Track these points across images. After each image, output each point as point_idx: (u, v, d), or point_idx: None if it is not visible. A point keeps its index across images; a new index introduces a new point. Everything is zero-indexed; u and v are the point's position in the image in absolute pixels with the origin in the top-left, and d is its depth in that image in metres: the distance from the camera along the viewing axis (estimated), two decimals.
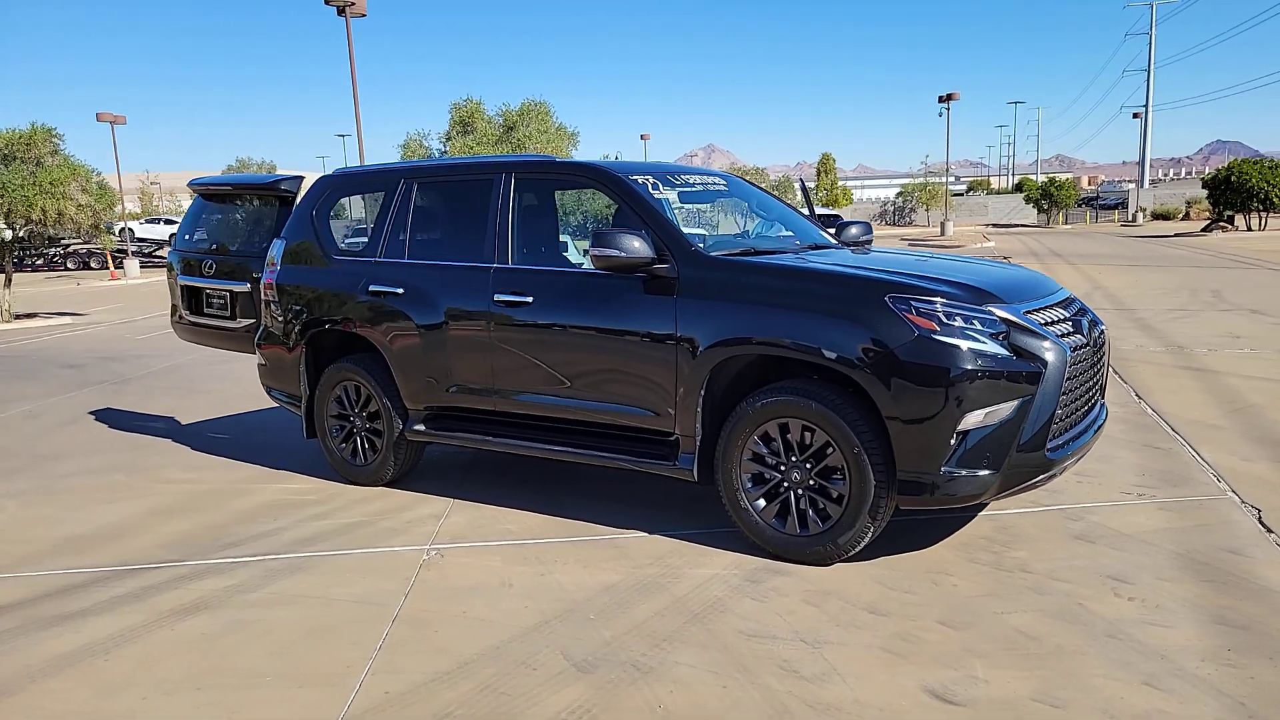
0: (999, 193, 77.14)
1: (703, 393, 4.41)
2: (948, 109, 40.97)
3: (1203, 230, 37.22)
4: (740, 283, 4.40)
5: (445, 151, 23.32)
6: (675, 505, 5.17)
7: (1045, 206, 54.93)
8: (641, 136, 59.36)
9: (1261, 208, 35.78)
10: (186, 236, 7.20)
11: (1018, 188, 68.64)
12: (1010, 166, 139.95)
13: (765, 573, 4.17)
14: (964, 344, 3.86)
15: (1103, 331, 4.58)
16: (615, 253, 4.47)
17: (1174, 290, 15.38)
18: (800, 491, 4.24)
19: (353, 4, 21.73)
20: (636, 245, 4.47)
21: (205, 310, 7.01)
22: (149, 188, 70.67)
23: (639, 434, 4.75)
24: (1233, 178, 35.57)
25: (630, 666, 3.37)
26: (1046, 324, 4.12)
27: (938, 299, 3.98)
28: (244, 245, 6.86)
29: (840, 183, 64.78)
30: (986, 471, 3.88)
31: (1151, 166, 67.17)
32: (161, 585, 4.37)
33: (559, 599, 3.99)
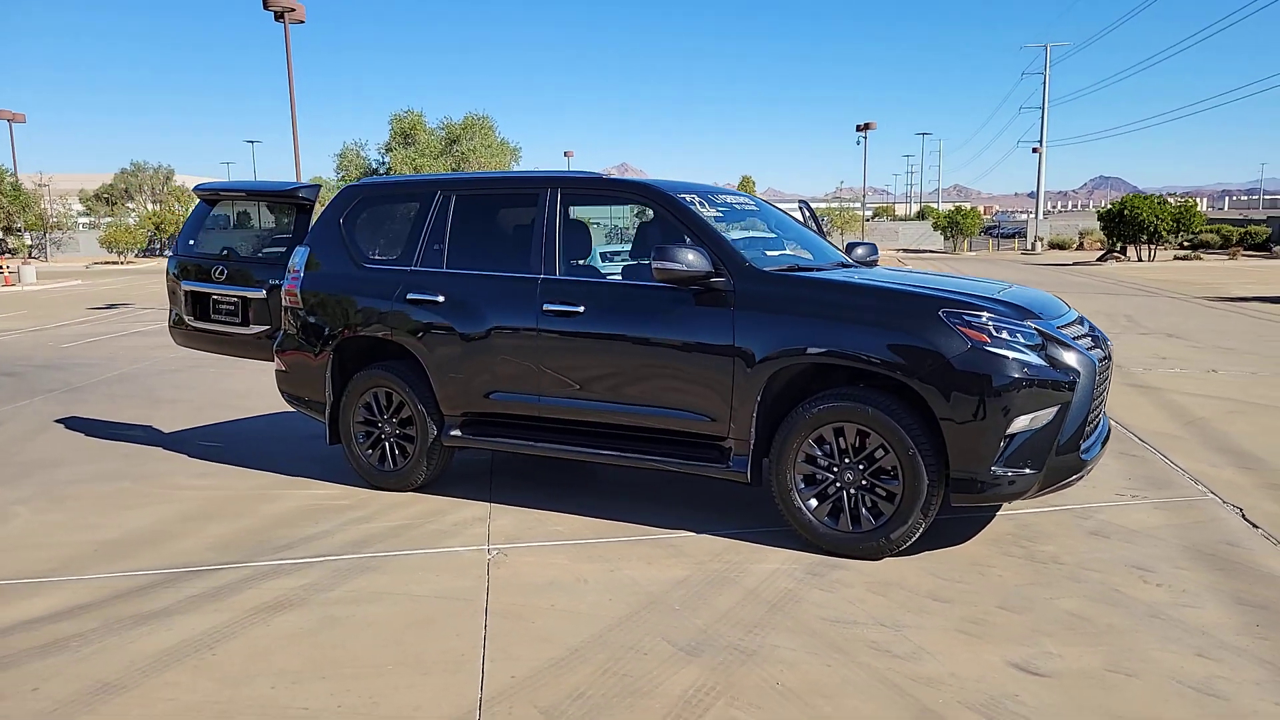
0: (905, 219, 79.99)
1: (759, 399, 4.70)
2: (865, 137, 42.53)
3: (1098, 260, 39.40)
4: (798, 296, 4.72)
5: (386, 163, 23.17)
6: (710, 507, 5.44)
7: (951, 233, 57.30)
8: (565, 154, 59.74)
9: (1150, 240, 38.15)
10: (190, 242, 7.17)
11: (920, 215, 71.40)
12: (912, 195, 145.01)
13: (822, 567, 4.48)
14: (1010, 354, 4.26)
15: (1110, 346, 5.06)
16: (677, 266, 4.75)
17: (1092, 315, 16.38)
18: (853, 491, 4.57)
19: (292, 10, 21.49)
20: (695, 260, 4.75)
21: (213, 316, 6.98)
22: (39, 189, 67.79)
23: (688, 438, 5.01)
24: (1125, 212, 37.83)
25: (734, 650, 3.63)
26: (1076, 338, 4.56)
27: (985, 313, 4.38)
28: (257, 251, 6.88)
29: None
30: (1030, 471, 4.28)
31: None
32: (232, 585, 4.42)
33: (637, 593, 4.22)
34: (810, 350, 4.57)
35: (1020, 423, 4.24)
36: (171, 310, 7.30)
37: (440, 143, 23.17)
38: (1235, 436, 6.93)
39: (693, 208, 5.15)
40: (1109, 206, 40.67)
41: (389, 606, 4.12)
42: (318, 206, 6.75)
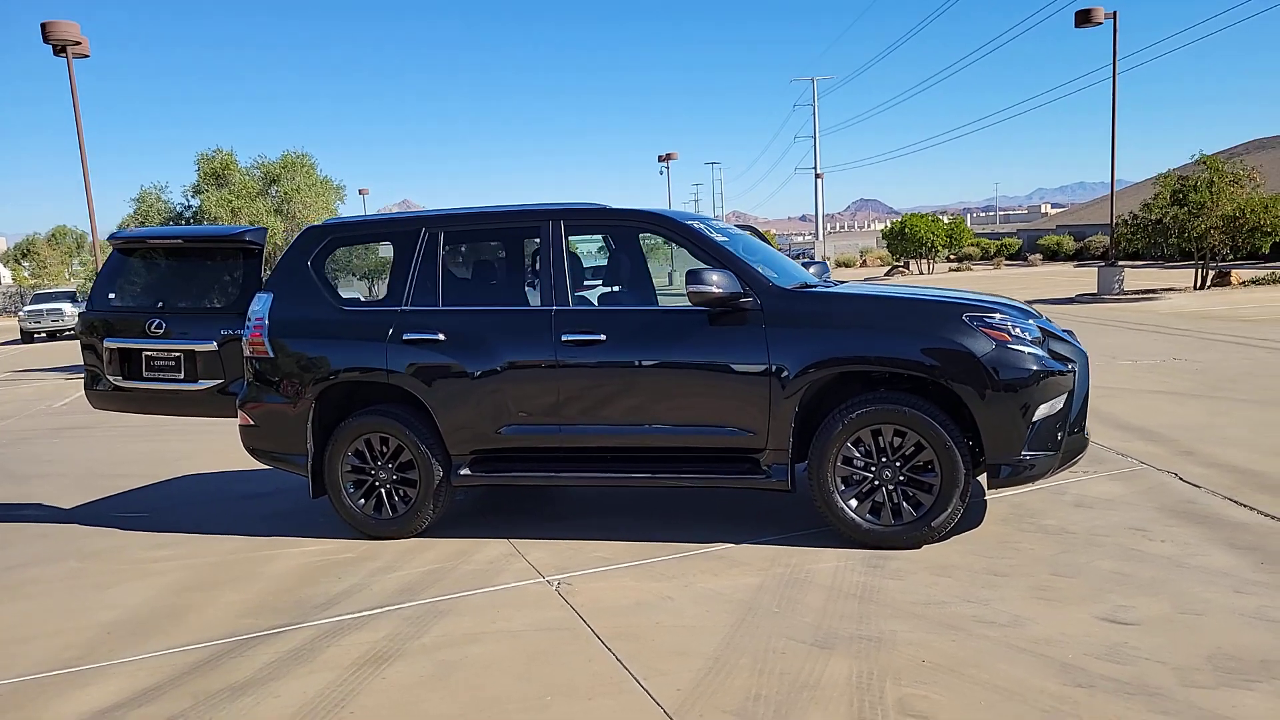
0: None
1: (796, 410, 5.00)
2: (667, 168, 44.13)
3: (886, 274, 42.71)
4: (826, 310, 5.07)
5: (194, 205, 21.76)
6: (726, 519, 5.67)
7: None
8: (360, 191, 58.13)
9: (927, 254, 41.85)
10: (110, 296, 6.64)
11: None
12: None
13: (875, 558, 4.81)
14: (1027, 350, 4.79)
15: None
16: (710, 289, 4.98)
17: None
18: (891, 487, 4.94)
19: (76, 44, 19.91)
20: (726, 282, 5.00)
21: (146, 374, 6.49)
22: None
23: (720, 454, 5.23)
24: (906, 230, 41.30)
25: (860, 639, 3.87)
26: (1066, 331, 5.16)
27: (998, 315, 4.89)
28: (198, 301, 6.48)
29: None
30: (1050, 452, 4.82)
31: (810, 221, 75.62)
32: (307, 646, 4.21)
33: (727, 602, 4.38)
34: (848, 359, 4.91)
35: (1042, 410, 4.76)
36: (89, 371, 6.71)
37: (257, 183, 22.06)
38: (1123, 416, 7.91)
39: (704, 233, 5.40)
40: (891, 225, 44.23)
41: (494, 645, 4.08)
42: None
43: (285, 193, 21.37)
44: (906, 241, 41.33)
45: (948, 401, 4.90)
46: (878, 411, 4.89)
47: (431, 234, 5.77)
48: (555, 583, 4.81)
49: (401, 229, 5.93)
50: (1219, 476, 5.88)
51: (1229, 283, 23.22)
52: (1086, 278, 28.01)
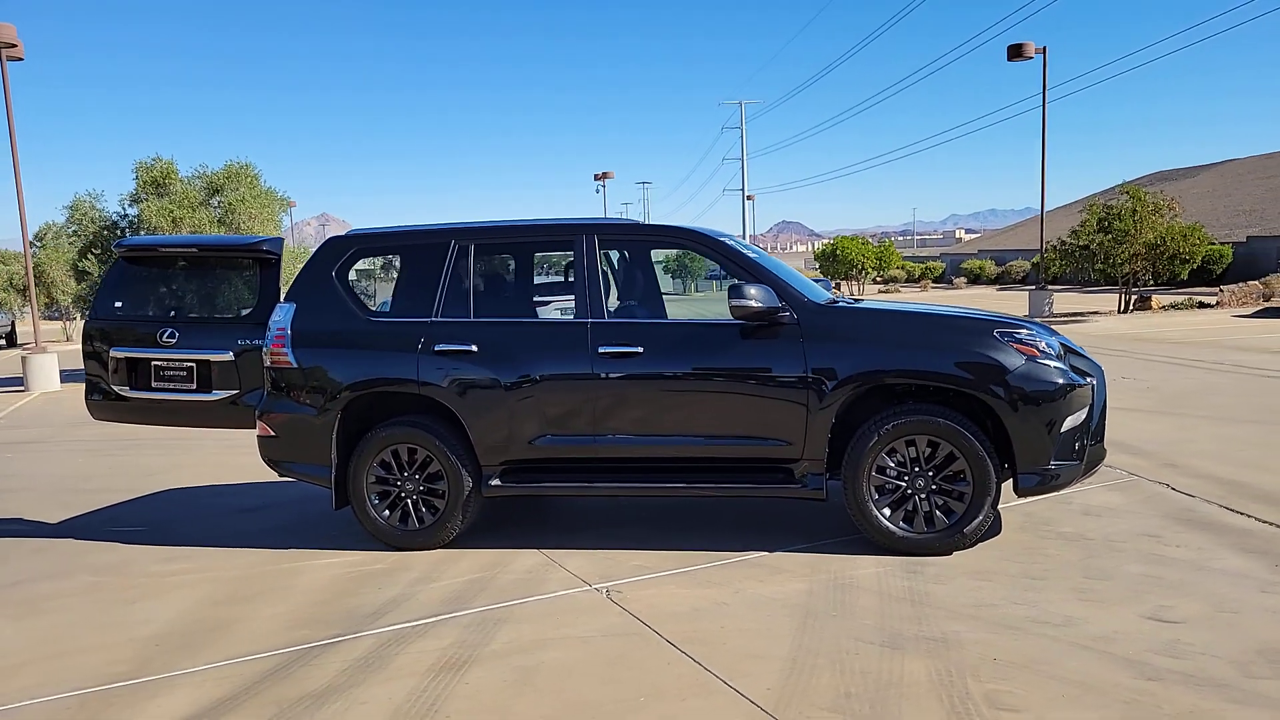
0: None
1: (833, 421, 5.17)
2: (604, 186, 44.44)
3: None
4: (862, 325, 5.27)
5: (131, 215, 21.11)
6: (749, 528, 5.80)
7: (681, 275, 60.86)
8: (289, 203, 56.74)
9: (857, 275, 42.91)
10: (116, 305, 6.49)
11: None
12: None
13: (912, 565, 5.00)
14: (1054, 364, 5.05)
15: None
16: (751, 303, 5.13)
17: None
18: (923, 496, 5.14)
19: (11, 46, 19.24)
20: (766, 296, 5.16)
21: (156, 384, 6.35)
22: None
23: (755, 464, 5.37)
24: (838, 252, 42.28)
25: (927, 640, 4.04)
26: (1081, 346, 5.45)
27: (1024, 331, 5.15)
28: (213, 311, 6.38)
29: None
30: (1074, 463, 5.08)
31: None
32: (374, 655, 4.19)
33: (783, 606, 4.51)
34: (890, 372, 5.11)
35: (1069, 422, 5.02)
36: (91, 381, 6.54)
37: (199, 193, 21.52)
38: None
39: (739, 248, 5.56)
40: (823, 247, 45.22)
41: (567, 651, 4.12)
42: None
43: (230, 203, 20.88)
44: (837, 263, 42.28)
45: (976, 413, 5.12)
46: (913, 423, 5.08)
47: (461, 246, 5.80)
48: (604, 590, 4.88)
49: (429, 240, 5.94)
50: (1208, 486, 6.24)
51: (1150, 307, 24.39)
52: (1013, 301, 29.10)
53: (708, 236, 5.63)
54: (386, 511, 5.79)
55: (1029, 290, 28.90)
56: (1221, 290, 25.37)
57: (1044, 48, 24.31)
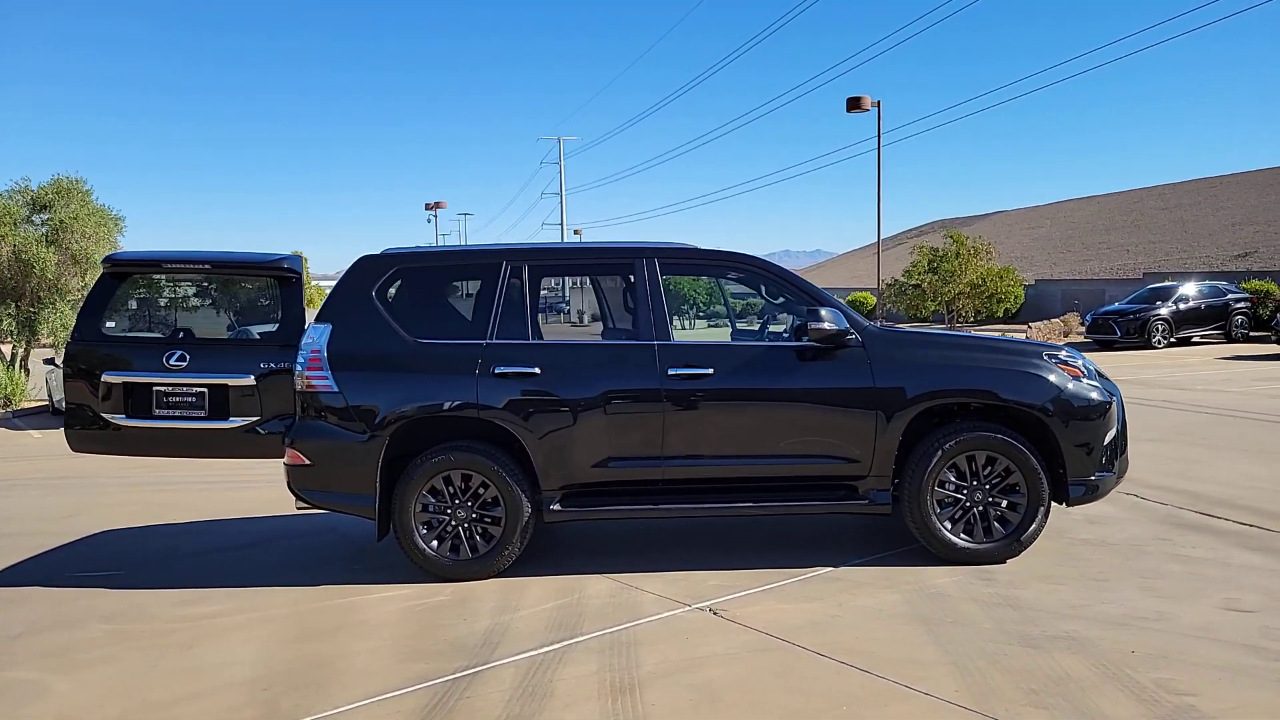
0: None
1: (900, 438, 5.45)
2: (435, 216, 43.67)
3: None
4: (924, 349, 5.59)
5: None
6: (804, 543, 5.98)
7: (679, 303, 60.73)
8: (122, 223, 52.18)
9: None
10: (109, 324, 5.92)
11: None
12: None
13: (980, 573, 5.32)
14: (1095, 382, 5.57)
15: None
16: (827, 325, 5.36)
17: None
18: (981, 508, 5.50)
19: None
20: (836, 318, 5.40)
21: (157, 411, 5.82)
22: None
23: (820, 481, 5.57)
24: (670, 286, 43.49)
25: (1057, 639, 4.33)
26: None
27: (1064, 353, 5.65)
28: (227, 331, 5.94)
29: (314, 283, 64.63)
30: (1111, 473, 5.59)
31: None
32: (526, 683, 4.06)
33: (894, 616, 4.71)
34: (954, 392, 5.45)
35: (1107, 436, 5.54)
36: (73, 409, 5.90)
37: (21, 208, 19.54)
38: None
39: (798, 277, 5.78)
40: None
41: (726, 668, 4.14)
42: None
43: (60, 220, 19.08)
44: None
45: (1028, 429, 5.55)
46: (972, 439, 5.44)
47: (514, 267, 5.71)
48: (708, 609, 4.91)
49: (479, 261, 5.82)
50: (1171, 496, 6.98)
51: None
52: None
53: (768, 263, 5.83)
54: (435, 541, 5.56)
55: None
56: (1029, 326, 27.99)
57: (878, 101, 26.25)
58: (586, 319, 7.62)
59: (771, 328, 6.48)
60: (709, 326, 8.13)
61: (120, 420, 5.81)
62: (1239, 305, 23.65)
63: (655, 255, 5.74)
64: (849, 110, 26.81)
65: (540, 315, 6.32)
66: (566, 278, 6.38)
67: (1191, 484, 7.35)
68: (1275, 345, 20.45)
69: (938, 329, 6.90)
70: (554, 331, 6.28)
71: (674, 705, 3.79)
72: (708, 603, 5.01)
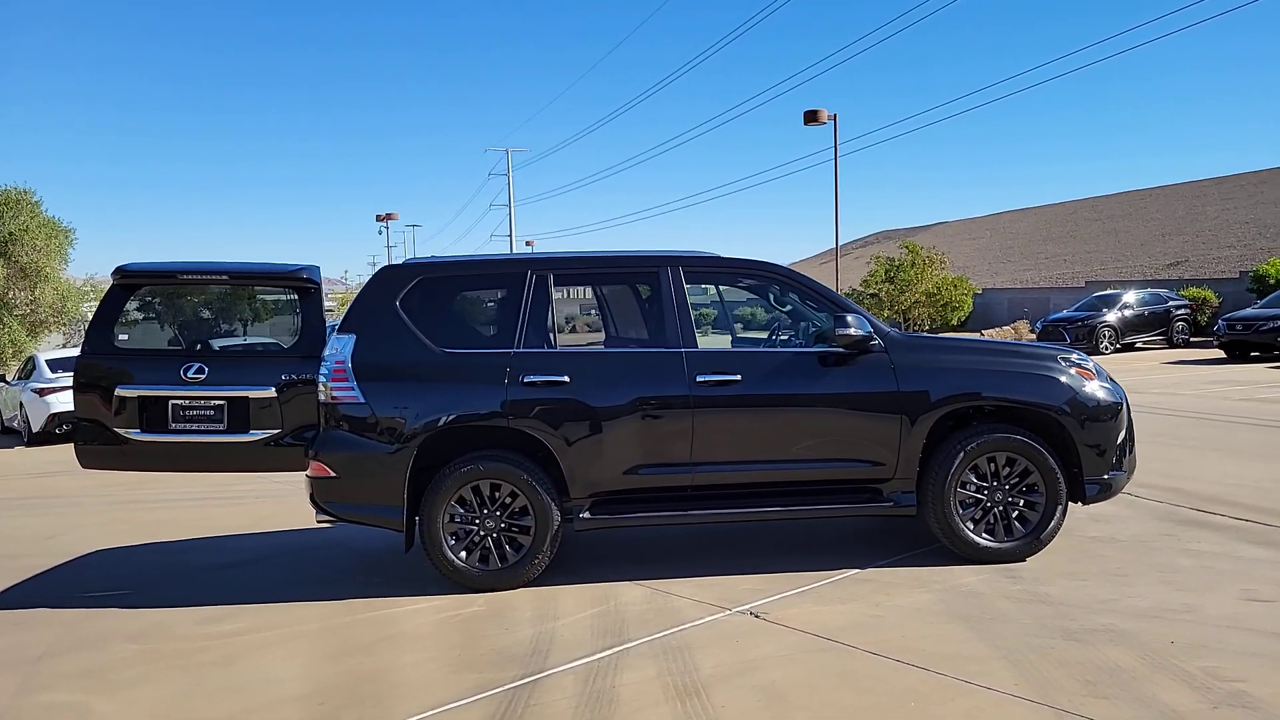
0: None
1: (924, 442, 5.57)
2: (386, 227, 43.27)
3: None
4: (945, 355, 5.73)
5: None
6: (821, 546, 6.07)
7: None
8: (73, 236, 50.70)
9: None
10: (122, 337, 5.79)
11: None
12: None
13: (1004, 571, 5.46)
14: (1106, 384, 5.76)
15: None
16: (854, 331, 5.47)
17: None
18: (1000, 508, 5.65)
19: None
20: (862, 324, 5.52)
21: (173, 425, 5.70)
22: None
23: (845, 485, 5.66)
24: None
25: (1097, 632, 4.47)
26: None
27: (1076, 356, 5.83)
28: (245, 343, 5.84)
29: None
30: (1122, 472, 5.78)
31: None
32: (588, 689, 4.07)
33: (932, 614, 4.81)
34: (975, 396, 5.59)
35: (1120, 436, 5.73)
36: (84, 424, 5.75)
37: None
38: None
39: (822, 285, 5.88)
40: None
41: (785, 669, 4.19)
42: None
43: (10, 233, 18.50)
44: None
45: (1043, 430, 5.72)
46: (994, 441, 5.59)
47: (540, 276, 5.72)
48: (749, 613, 4.96)
49: (503, 270, 5.82)
50: (1162, 494, 7.21)
51: None
52: None
53: (792, 271, 5.93)
54: (464, 552, 5.53)
55: None
56: (983, 334, 28.72)
57: (835, 115, 26.72)
58: (580, 327, 7.62)
59: (781, 335, 6.57)
60: (712, 333, 8.20)
61: (135, 435, 5.68)
62: (1180, 312, 24.51)
63: (680, 263, 5.80)
64: (806, 123, 27.19)
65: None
66: (586, 286, 6.37)
67: (1179, 482, 7.61)
68: (1217, 350, 21.22)
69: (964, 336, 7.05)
70: (561, 340, 6.26)
71: (744, 707, 3.84)
72: (746, 606, 5.07)
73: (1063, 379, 5.66)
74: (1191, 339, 24.40)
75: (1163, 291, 25.39)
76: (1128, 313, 23.78)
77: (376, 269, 5.81)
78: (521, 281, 5.71)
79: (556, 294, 5.80)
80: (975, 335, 29.95)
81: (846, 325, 5.45)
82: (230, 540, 7.31)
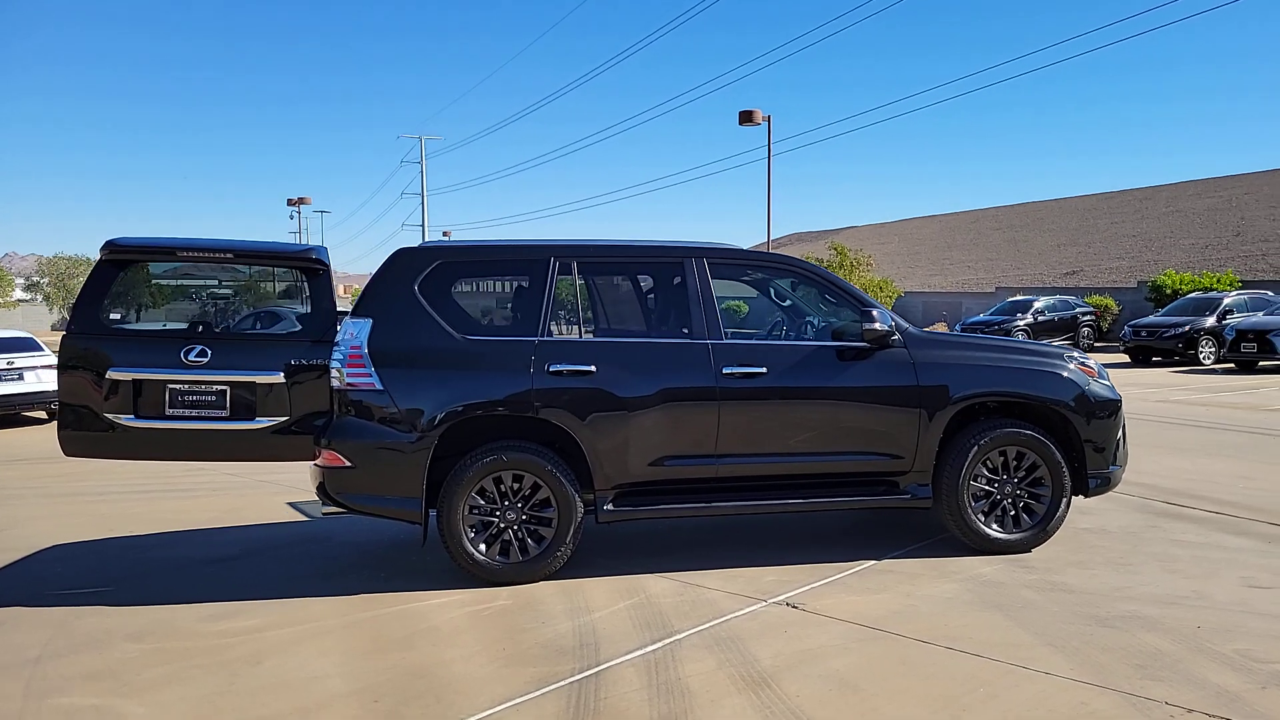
0: None
1: (941, 436, 5.69)
2: (299, 211, 41.89)
3: None
4: (961, 352, 5.85)
5: None
6: (833, 539, 6.15)
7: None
8: None
9: None
10: (114, 315, 5.45)
11: None
12: None
13: (1016, 560, 5.63)
14: (1107, 382, 5.99)
15: None
16: (878, 325, 5.55)
17: None
18: (1009, 501, 5.81)
19: None
20: (885, 318, 5.61)
21: (170, 411, 5.40)
22: None
23: (865, 477, 5.75)
24: None
25: (1124, 618, 4.64)
26: None
27: (1078, 353, 6.05)
28: (249, 325, 5.57)
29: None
30: (1120, 467, 6.02)
31: None
32: (652, 680, 4.04)
33: (963, 604, 4.92)
34: (995, 393, 5.73)
35: (1120, 432, 5.97)
36: (69, 409, 5.39)
37: None
38: None
39: (843, 281, 5.95)
40: None
41: (843, 659, 4.23)
42: None
43: None
44: None
45: (1049, 425, 5.91)
46: (1005, 435, 5.75)
47: (564, 263, 5.63)
48: (785, 604, 4.99)
49: (526, 256, 5.70)
50: (1136, 489, 7.54)
51: None
52: None
53: (814, 266, 5.98)
54: (484, 545, 5.40)
55: None
56: None
57: (769, 116, 27.07)
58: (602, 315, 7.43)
59: (790, 330, 6.61)
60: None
61: (127, 421, 5.36)
62: (1086, 318, 25.73)
63: (705, 255, 5.78)
64: (742, 123, 27.45)
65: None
66: (613, 275, 6.29)
67: (1141, 477, 7.96)
68: (1121, 354, 22.34)
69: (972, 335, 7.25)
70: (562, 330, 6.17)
71: (819, 695, 3.85)
72: (780, 597, 5.09)
73: (1071, 376, 5.86)
74: (1095, 344, 25.63)
75: (1070, 298, 26.60)
76: (1040, 318, 24.84)
77: (391, 252, 5.60)
78: (545, 268, 5.60)
79: (579, 281, 5.71)
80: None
81: (872, 320, 5.53)
82: (202, 534, 6.96)
